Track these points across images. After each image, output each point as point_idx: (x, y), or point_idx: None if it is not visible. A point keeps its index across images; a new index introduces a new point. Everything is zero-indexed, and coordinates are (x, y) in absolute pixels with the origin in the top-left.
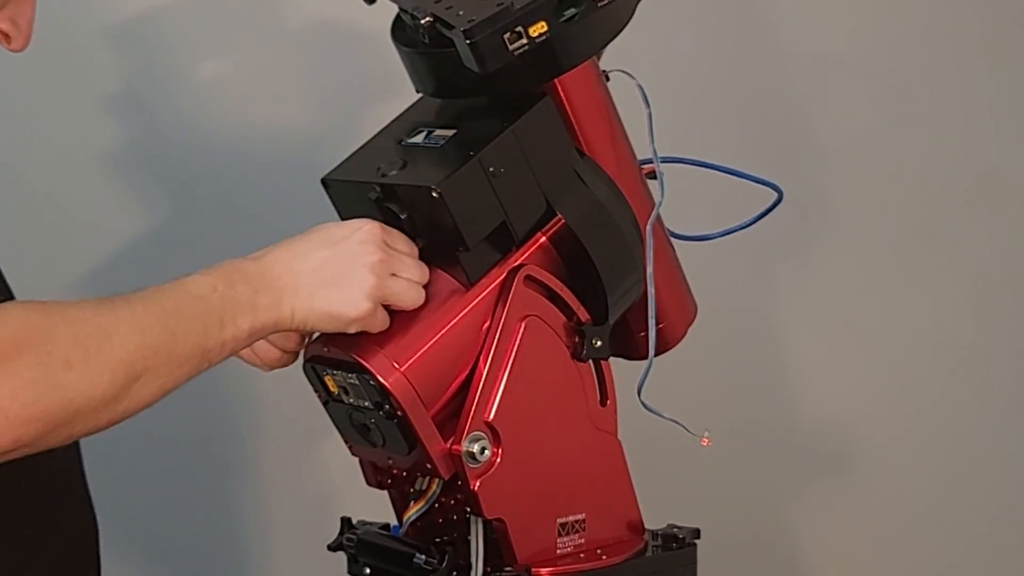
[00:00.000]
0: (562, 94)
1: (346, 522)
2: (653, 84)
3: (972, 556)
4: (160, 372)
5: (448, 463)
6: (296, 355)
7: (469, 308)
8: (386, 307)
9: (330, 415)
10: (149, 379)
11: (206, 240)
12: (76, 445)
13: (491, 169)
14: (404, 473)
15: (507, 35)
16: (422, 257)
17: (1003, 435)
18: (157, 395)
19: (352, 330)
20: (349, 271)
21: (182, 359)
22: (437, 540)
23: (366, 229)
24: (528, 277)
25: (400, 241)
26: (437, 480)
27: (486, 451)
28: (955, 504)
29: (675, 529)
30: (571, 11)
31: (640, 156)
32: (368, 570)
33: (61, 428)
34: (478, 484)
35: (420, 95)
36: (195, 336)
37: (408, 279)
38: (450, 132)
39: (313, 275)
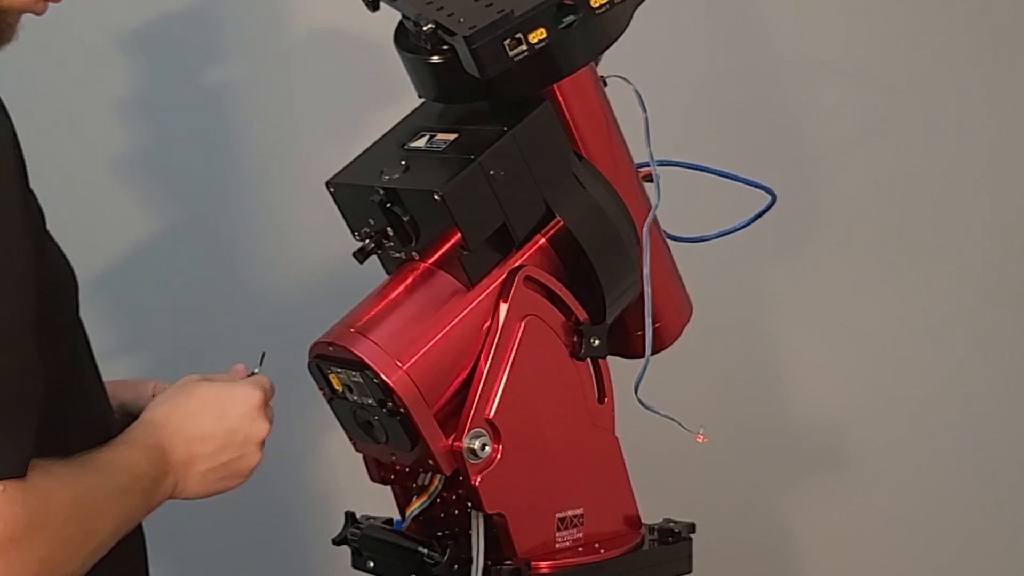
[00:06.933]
0: (561, 99)
1: (350, 517)
2: (650, 89)
3: (965, 555)
4: (119, 536)
5: (450, 459)
6: None
7: (470, 308)
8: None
9: (334, 412)
10: (111, 544)
11: (212, 243)
12: None
13: (492, 172)
14: (407, 469)
15: (507, 41)
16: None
17: (996, 435)
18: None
19: None
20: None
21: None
22: (439, 534)
23: (253, 404)
24: (528, 278)
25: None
26: (439, 476)
27: (487, 447)
28: (948, 502)
29: (671, 523)
30: (570, 18)
31: (637, 159)
32: (372, 564)
33: None
34: (479, 480)
35: (422, 100)
36: (142, 512)
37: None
38: (451, 136)
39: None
